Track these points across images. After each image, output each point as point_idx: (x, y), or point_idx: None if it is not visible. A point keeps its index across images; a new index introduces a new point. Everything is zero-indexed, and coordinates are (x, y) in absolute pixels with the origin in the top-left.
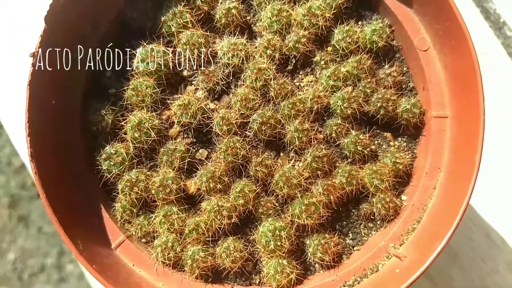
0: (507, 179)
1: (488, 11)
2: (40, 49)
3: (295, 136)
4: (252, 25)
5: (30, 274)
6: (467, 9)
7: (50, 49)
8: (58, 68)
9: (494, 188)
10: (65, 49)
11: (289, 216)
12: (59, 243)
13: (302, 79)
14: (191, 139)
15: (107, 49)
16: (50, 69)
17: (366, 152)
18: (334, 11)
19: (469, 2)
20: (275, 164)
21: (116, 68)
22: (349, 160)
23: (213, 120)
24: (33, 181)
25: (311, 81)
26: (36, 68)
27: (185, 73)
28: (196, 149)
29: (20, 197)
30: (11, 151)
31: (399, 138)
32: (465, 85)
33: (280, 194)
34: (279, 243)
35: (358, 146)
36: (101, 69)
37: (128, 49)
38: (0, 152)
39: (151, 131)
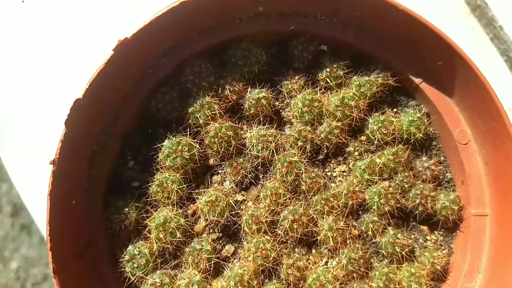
0: None
1: None
2: (60, 155)
3: (330, 236)
4: (281, 111)
5: (33, 283)
6: (492, 60)
7: (70, 151)
8: (78, 167)
9: None
10: (85, 146)
11: None
12: None
13: (334, 168)
14: (217, 234)
15: (129, 137)
16: (71, 171)
17: (404, 253)
18: (370, 100)
19: (494, 53)
20: (307, 264)
21: (139, 157)
22: (386, 261)
23: (241, 214)
24: None
25: (344, 171)
26: (57, 176)
27: (211, 161)
28: (222, 244)
29: (22, 206)
30: None
31: (436, 232)
32: (508, 185)
33: None
34: None
35: (396, 247)
36: (123, 159)
37: (151, 136)
38: (3, 161)
39: (177, 231)
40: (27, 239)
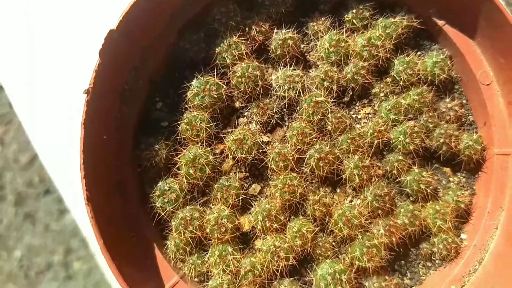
0: None
1: None
2: (94, 85)
3: (355, 173)
4: (306, 54)
5: (37, 271)
6: None
7: (103, 84)
8: (110, 102)
9: None
10: (117, 81)
11: (348, 257)
12: (66, 241)
13: (359, 110)
14: (244, 173)
15: (157, 79)
16: (103, 104)
17: (429, 190)
18: (395, 41)
19: None
20: (333, 202)
21: (167, 99)
22: (411, 199)
23: (267, 154)
24: (40, 179)
25: (369, 113)
26: (90, 106)
27: (237, 104)
28: (249, 183)
29: (26, 195)
30: (18, 148)
31: (459, 174)
32: None
33: (340, 235)
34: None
35: (421, 185)
36: (152, 100)
37: (179, 79)
38: (7, 149)
39: (206, 168)
40: (31, 228)
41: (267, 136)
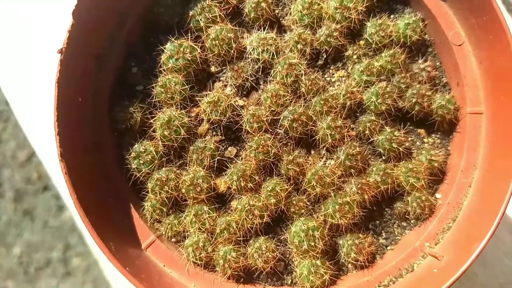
0: None
1: (509, 3)
2: (67, 45)
3: (328, 133)
4: (281, 19)
5: (36, 268)
6: None
7: (78, 45)
8: (85, 65)
9: None
10: (92, 45)
11: (322, 215)
12: (64, 237)
13: (333, 74)
14: (220, 136)
15: (133, 44)
16: (77, 66)
17: (401, 149)
18: (367, 4)
19: None
20: (307, 162)
21: (143, 65)
22: (383, 158)
23: (242, 117)
24: (39, 175)
25: (343, 76)
26: (64, 65)
27: (212, 69)
28: (225, 147)
29: (25, 191)
30: (16, 144)
31: (433, 135)
32: (503, 81)
33: (313, 193)
34: (312, 243)
35: (393, 144)
36: (128, 65)
37: (154, 45)
38: (5, 146)
39: (181, 129)
40: (30, 224)
41: (243, 100)
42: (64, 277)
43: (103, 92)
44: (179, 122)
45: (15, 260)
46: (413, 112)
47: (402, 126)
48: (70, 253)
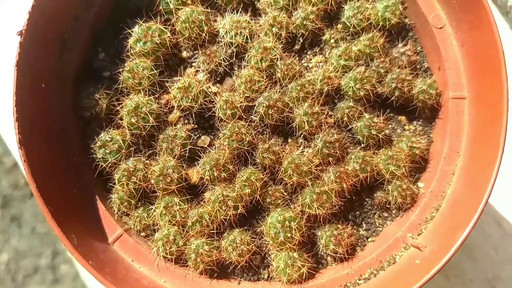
0: None
1: None
2: (28, 27)
3: (304, 120)
4: (255, 1)
5: (24, 275)
6: None
7: (39, 27)
8: (48, 49)
9: (505, 176)
10: (55, 28)
11: (299, 206)
12: (53, 243)
13: (311, 59)
14: (192, 125)
15: (100, 29)
16: (39, 49)
17: (380, 136)
18: None
19: None
20: (283, 151)
21: (110, 50)
22: (362, 146)
23: (215, 104)
24: (26, 181)
25: (320, 62)
26: (24, 48)
27: (184, 54)
28: (198, 135)
29: (12, 197)
30: (3, 150)
31: (414, 122)
32: (486, 63)
33: (289, 183)
34: (289, 235)
35: (372, 130)
36: (94, 51)
37: (123, 29)
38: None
39: (149, 116)
40: (17, 230)
41: (216, 87)
42: (53, 284)
43: (68, 77)
44: (148, 109)
45: (2, 267)
46: (393, 97)
47: (382, 112)
48: (58, 259)
